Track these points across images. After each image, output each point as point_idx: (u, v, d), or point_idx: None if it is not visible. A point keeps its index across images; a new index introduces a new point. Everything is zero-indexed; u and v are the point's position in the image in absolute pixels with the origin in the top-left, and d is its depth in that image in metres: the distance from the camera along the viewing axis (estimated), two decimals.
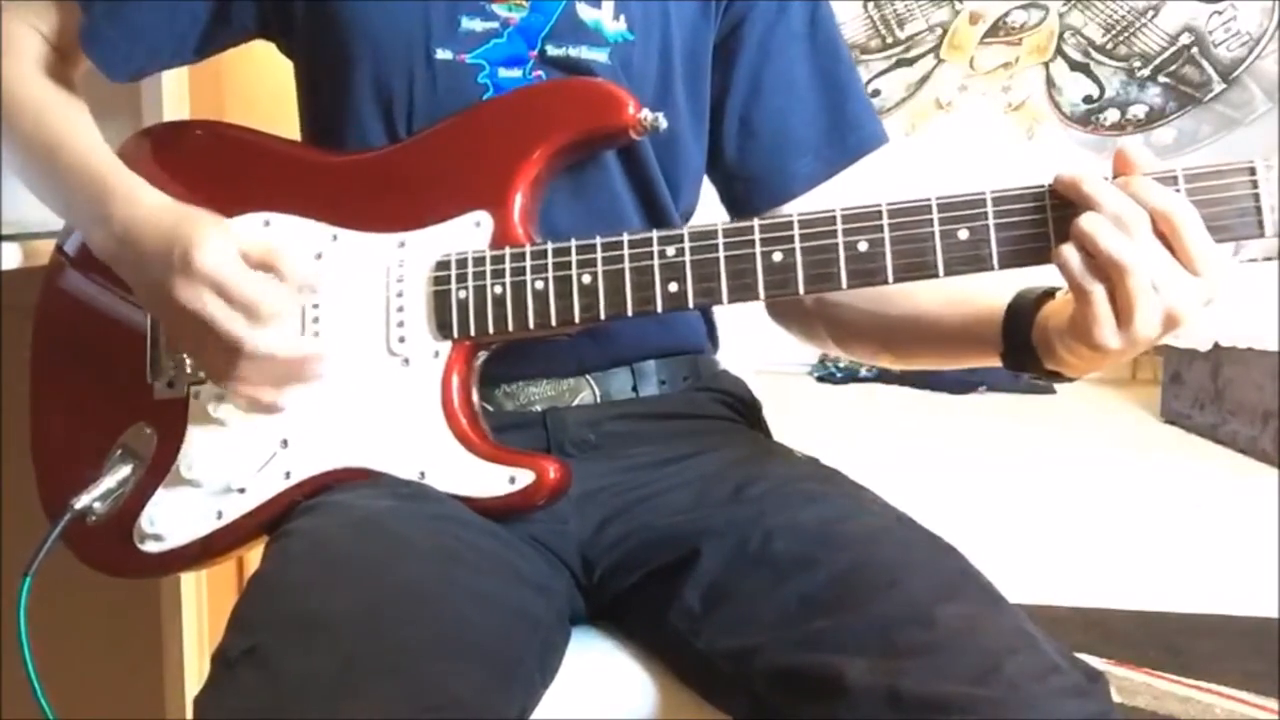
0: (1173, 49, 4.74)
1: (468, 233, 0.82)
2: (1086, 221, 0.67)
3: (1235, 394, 3.58)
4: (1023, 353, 0.78)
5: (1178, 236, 0.66)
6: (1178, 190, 0.68)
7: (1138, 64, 4.78)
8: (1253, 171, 0.68)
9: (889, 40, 4.94)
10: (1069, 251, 0.68)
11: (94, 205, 0.83)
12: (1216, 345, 3.62)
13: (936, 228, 0.72)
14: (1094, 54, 4.82)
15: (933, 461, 3.37)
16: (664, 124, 0.81)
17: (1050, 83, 4.87)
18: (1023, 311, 0.78)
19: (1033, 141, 4.88)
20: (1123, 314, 0.67)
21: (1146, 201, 0.67)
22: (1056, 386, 4.49)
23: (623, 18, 0.87)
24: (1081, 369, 0.75)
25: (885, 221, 0.73)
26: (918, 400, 4.35)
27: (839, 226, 0.74)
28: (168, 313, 0.80)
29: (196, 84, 1.27)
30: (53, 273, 0.94)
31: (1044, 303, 0.77)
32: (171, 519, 0.83)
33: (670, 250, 0.76)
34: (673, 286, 0.76)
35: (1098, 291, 0.67)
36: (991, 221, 0.71)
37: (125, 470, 0.85)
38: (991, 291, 0.80)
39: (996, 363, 0.81)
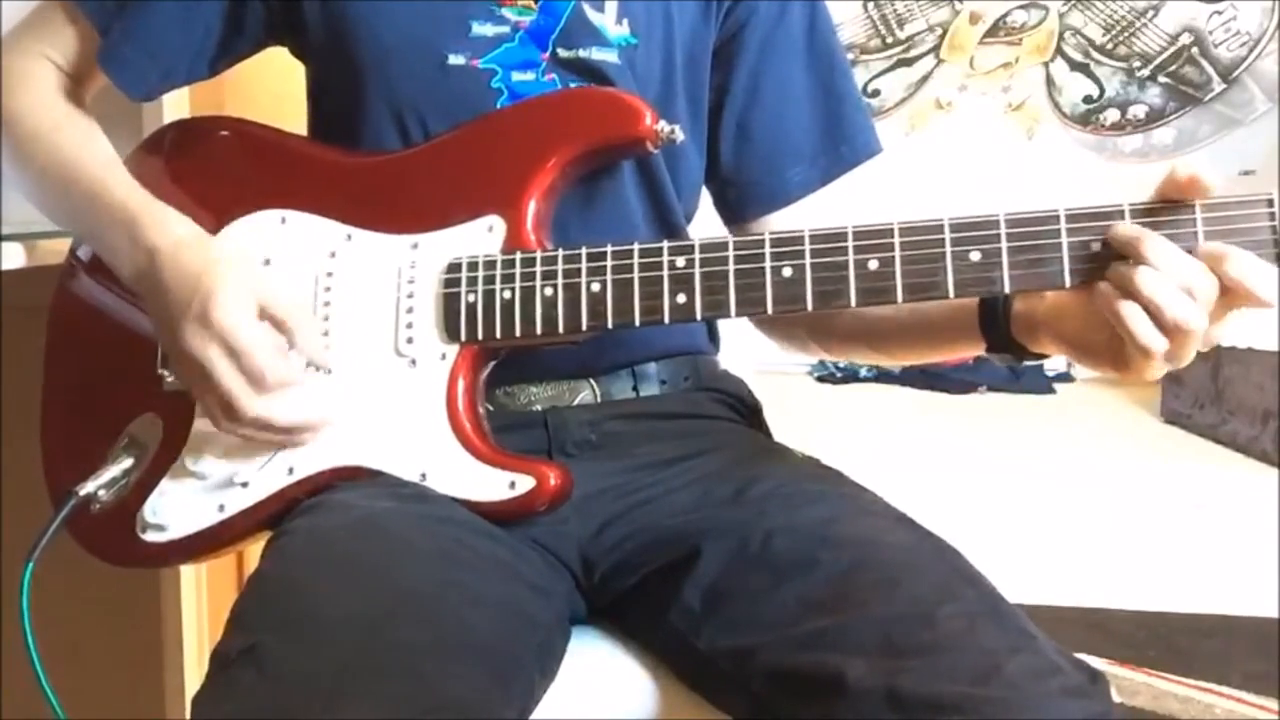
0: (1173, 49, 4.73)
1: (480, 237, 0.82)
2: (1150, 288, 0.66)
3: (1235, 394, 3.57)
4: (1004, 340, 0.79)
5: (1254, 300, 0.67)
6: (1194, 219, 0.68)
7: (1138, 64, 4.78)
8: (1271, 203, 0.67)
9: (889, 40, 4.93)
10: (1133, 312, 0.67)
11: (121, 232, 0.83)
12: (1216, 345, 3.61)
13: (948, 248, 0.72)
14: (1094, 54, 4.82)
15: (933, 461, 3.36)
16: (680, 136, 0.82)
17: (1050, 83, 4.87)
18: (996, 304, 0.78)
19: (1033, 141, 4.87)
20: (1173, 359, 0.69)
21: (1224, 272, 0.67)
22: (1057, 386, 4.49)
23: (625, 21, 0.88)
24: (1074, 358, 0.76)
25: (896, 240, 0.72)
26: (918, 400, 4.34)
27: (850, 244, 0.73)
28: (176, 350, 0.80)
29: (197, 86, 1.27)
30: (67, 269, 0.95)
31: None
32: (174, 510, 0.84)
33: (680, 261, 0.76)
34: (680, 298, 0.76)
35: (1161, 348, 0.67)
36: (1004, 245, 0.71)
37: (130, 460, 0.86)
38: None
39: (978, 350, 0.82)
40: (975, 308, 0.80)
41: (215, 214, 0.85)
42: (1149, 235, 0.68)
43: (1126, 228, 0.69)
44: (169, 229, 0.82)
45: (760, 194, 0.95)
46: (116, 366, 0.90)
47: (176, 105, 1.22)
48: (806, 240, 0.74)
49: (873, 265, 0.73)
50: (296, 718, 0.59)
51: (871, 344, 0.93)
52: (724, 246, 0.76)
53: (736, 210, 0.96)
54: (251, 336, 0.77)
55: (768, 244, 0.75)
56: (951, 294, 0.72)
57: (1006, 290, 0.71)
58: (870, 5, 4.90)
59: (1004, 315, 0.78)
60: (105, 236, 0.85)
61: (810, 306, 0.74)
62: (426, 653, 0.63)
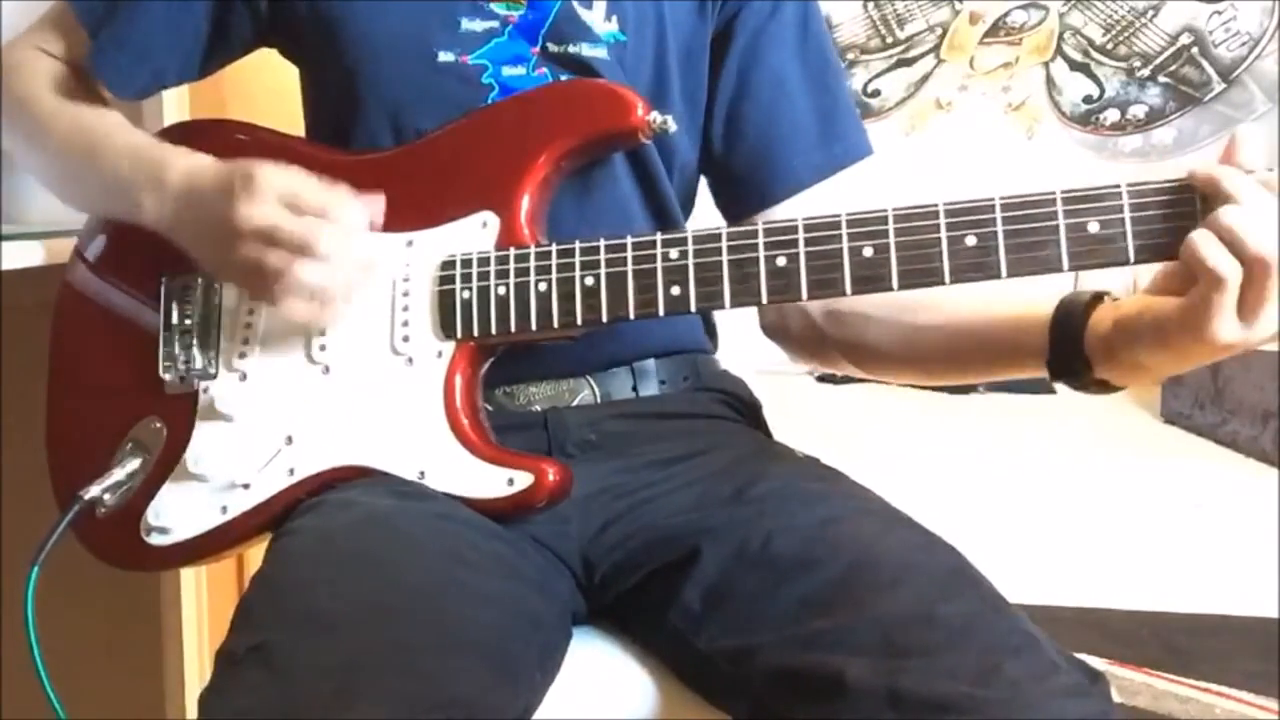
0: (1173, 49, 4.73)
1: (474, 233, 0.82)
2: (1230, 215, 0.65)
3: (1235, 394, 3.57)
4: (1073, 360, 0.76)
5: None
6: (1193, 198, 0.67)
7: (1138, 64, 4.78)
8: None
9: (889, 40, 4.93)
10: (1205, 239, 0.65)
11: (150, 173, 0.83)
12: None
13: (943, 234, 0.71)
14: (1094, 54, 4.82)
15: (933, 461, 3.37)
16: (673, 126, 0.81)
17: (1050, 83, 4.87)
18: (1073, 317, 0.76)
19: (1033, 141, 4.87)
20: (1251, 308, 0.66)
21: None
22: (1056, 386, 4.49)
23: (615, 19, 0.88)
24: (1147, 375, 0.73)
25: (891, 226, 0.72)
26: (918, 400, 4.34)
27: (844, 231, 0.73)
28: (228, 247, 0.78)
29: (197, 84, 1.27)
30: (71, 270, 0.96)
31: (1094, 307, 0.75)
32: (177, 512, 0.84)
33: (674, 253, 0.76)
34: (675, 290, 0.76)
35: (1234, 276, 0.65)
36: (1000, 228, 0.70)
37: (134, 463, 0.86)
38: (1028, 297, 0.78)
39: (1035, 374, 0.79)
40: (1042, 323, 0.77)
41: None
42: (1226, 172, 0.67)
43: (1205, 166, 0.67)
44: (191, 159, 0.83)
45: (754, 189, 0.94)
46: (120, 369, 0.90)
47: (177, 104, 1.22)
48: (800, 229, 0.74)
49: (867, 252, 0.72)
50: (305, 715, 0.59)
51: (914, 364, 0.90)
52: (717, 238, 0.75)
53: (733, 205, 0.96)
54: (305, 184, 0.77)
55: (761, 234, 0.74)
56: (948, 279, 0.71)
57: (1003, 276, 0.70)
58: (870, 5, 4.90)
59: (1079, 327, 0.75)
60: (130, 187, 0.84)
61: (805, 295, 0.74)
62: (431, 650, 0.63)
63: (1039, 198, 0.70)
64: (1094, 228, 0.69)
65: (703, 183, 0.99)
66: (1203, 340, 0.67)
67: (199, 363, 0.85)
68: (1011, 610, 0.68)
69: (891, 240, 0.72)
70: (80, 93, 0.92)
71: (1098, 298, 0.76)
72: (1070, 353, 0.76)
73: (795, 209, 0.92)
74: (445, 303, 0.81)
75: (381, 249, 0.83)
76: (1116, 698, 0.65)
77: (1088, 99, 4.84)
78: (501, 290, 0.79)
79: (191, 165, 0.82)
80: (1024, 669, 0.62)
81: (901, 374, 0.92)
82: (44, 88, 0.91)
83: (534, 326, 0.79)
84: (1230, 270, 0.65)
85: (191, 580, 1.35)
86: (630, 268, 0.77)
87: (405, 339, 0.82)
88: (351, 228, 0.77)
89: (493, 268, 0.80)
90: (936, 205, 0.71)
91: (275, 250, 0.76)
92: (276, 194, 0.76)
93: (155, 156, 0.84)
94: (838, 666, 0.64)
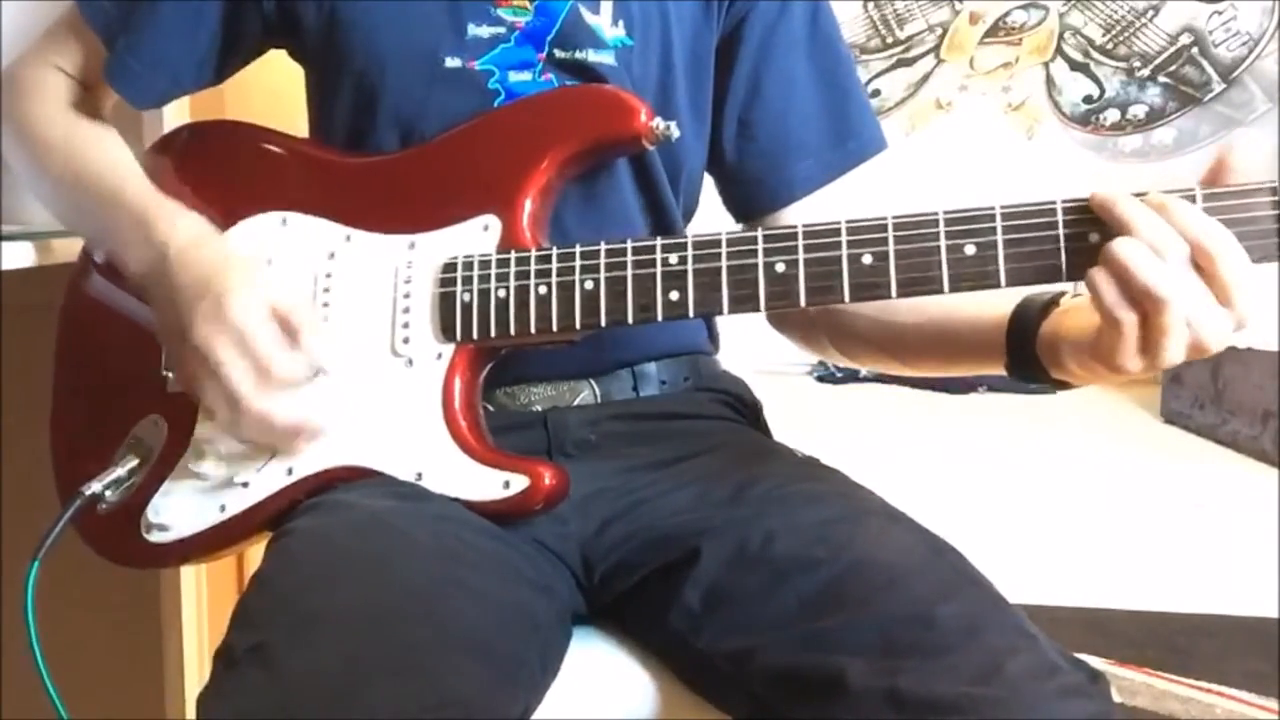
0: (1173, 49, 4.73)
1: (476, 236, 0.82)
2: (1121, 248, 0.64)
3: (1235, 394, 3.57)
4: (1028, 363, 0.77)
5: (1215, 268, 0.64)
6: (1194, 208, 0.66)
7: (1138, 64, 4.78)
8: (1274, 192, 0.65)
9: (889, 40, 4.93)
10: (1102, 279, 0.65)
11: (133, 231, 0.84)
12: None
13: (943, 242, 0.70)
14: (1094, 54, 4.82)
15: (933, 461, 3.36)
16: (676, 133, 0.81)
17: (1050, 83, 4.87)
18: (1027, 322, 0.76)
19: (1033, 141, 4.87)
20: (1150, 343, 0.65)
21: (1185, 229, 0.64)
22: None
23: (621, 23, 0.88)
24: (1091, 381, 0.73)
25: (890, 235, 0.71)
26: (918, 400, 4.34)
27: (843, 239, 0.72)
28: (181, 345, 0.80)
29: None
30: (79, 269, 0.96)
31: (1049, 311, 0.76)
32: (176, 510, 0.84)
33: (673, 258, 0.76)
34: (674, 295, 0.76)
35: (1129, 321, 0.64)
36: (1000, 238, 0.69)
37: (136, 460, 0.86)
38: (1001, 299, 0.78)
39: (1001, 371, 0.80)
40: (1004, 324, 0.78)
41: (220, 216, 0.86)
42: (1121, 198, 0.66)
43: (1104, 192, 0.66)
44: (180, 227, 0.83)
45: (765, 191, 0.94)
46: (124, 367, 0.90)
47: (177, 107, 1.22)
48: (800, 235, 0.73)
49: (866, 260, 0.72)
50: (303, 716, 0.59)
51: (893, 353, 0.91)
52: (717, 243, 0.75)
53: (744, 208, 0.96)
54: (262, 329, 0.77)
55: (760, 240, 0.74)
56: (946, 288, 0.71)
57: (1003, 285, 0.70)
58: (870, 5, 4.90)
59: (1032, 331, 0.76)
60: (117, 236, 0.85)
61: (803, 302, 0.73)
62: (431, 650, 0.63)
63: (1039, 207, 0.69)
64: (1094, 238, 0.68)
65: (709, 185, 0.99)
66: (1111, 368, 0.67)
67: None
68: (1011, 610, 0.68)
69: (891, 248, 0.71)
70: (85, 119, 0.92)
71: (1052, 302, 0.76)
72: (1025, 356, 0.76)
73: (810, 208, 0.92)
74: (446, 305, 0.81)
75: (384, 250, 0.83)
76: (1116, 698, 0.65)
77: (1088, 99, 4.84)
78: (502, 293, 0.79)
79: (171, 241, 0.81)
80: (1024, 669, 0.62)
81: (883, 363, 0.93)
82: (49, 114, 0.91)
83: (533, 330, 0.78)
84: (1126, 317, 0.64)
85: (191, 580, 1.34)
86: (630, 272, 0.77)
87: (405, 340, 0.82)
88: (290, 382, 0.78)
89: (493, 270, 0.80)
90: (936, 214, 0.71)
91: (215, 383, 0.77)
92: (233, 328, 0.76)
93: (140, 215, 0.84)
94: (838, 667, 0.64)
